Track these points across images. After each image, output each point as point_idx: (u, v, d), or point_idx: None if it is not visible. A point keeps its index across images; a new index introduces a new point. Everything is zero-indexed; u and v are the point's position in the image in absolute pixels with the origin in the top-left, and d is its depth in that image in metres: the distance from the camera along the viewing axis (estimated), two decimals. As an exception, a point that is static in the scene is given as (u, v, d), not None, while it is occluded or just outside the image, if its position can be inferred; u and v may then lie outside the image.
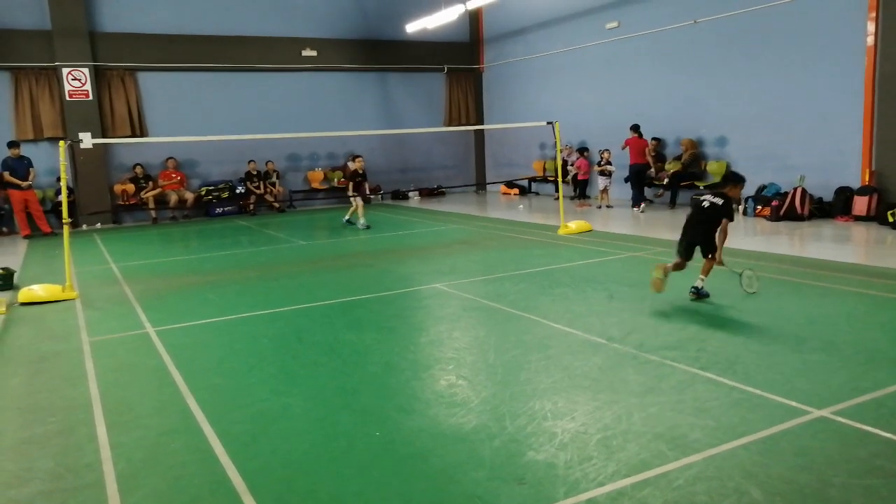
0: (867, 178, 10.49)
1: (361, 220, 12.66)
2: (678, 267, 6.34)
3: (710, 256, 6.23)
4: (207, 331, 6.08)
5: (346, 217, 13.11)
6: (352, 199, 12.92)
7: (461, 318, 6.19)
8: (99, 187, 15.24)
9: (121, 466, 3.43)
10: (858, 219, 10.34)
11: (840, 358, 4.57)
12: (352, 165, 13.13)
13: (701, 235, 6.27)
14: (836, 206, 10.74)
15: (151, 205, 15.39)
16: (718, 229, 6.19)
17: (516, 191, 18.09)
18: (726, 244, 6.32)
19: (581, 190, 15.00)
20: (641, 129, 13.42)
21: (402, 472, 3.27)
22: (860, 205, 10.35)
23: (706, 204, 6.23)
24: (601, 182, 14.06)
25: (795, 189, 10.88)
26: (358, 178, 12.89)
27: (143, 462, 3.48)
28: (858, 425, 3.50)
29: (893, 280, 6.62)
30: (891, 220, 9.63)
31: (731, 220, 6.23)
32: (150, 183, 15.60)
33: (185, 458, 3.50)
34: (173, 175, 15.83)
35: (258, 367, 4.94)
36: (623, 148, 13.56)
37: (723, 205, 6.16)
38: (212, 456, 3.49)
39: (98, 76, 15.20)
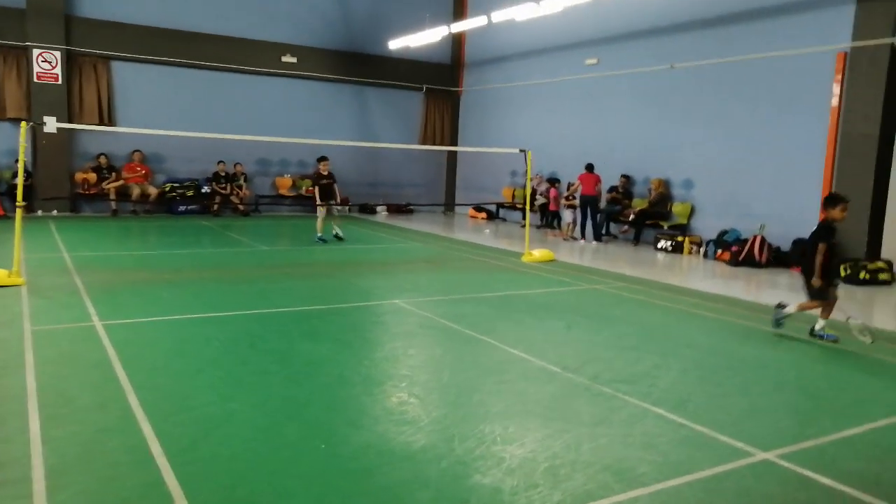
0: (824, 232, 10.77)
1: (336, 230, 12.06)
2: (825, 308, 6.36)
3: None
4: (157, 329, 5.92)
5: (335, 231, 12.07)
6: (320, 207, 12.02)
7: (418, 335, 6.14)
8: (59, 173, 14.86)
9: (51, 462, 3.28)
10: (813, 270, 10.59)
11: (788, 403, 4.64)
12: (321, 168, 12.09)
13: (806, 265, 6.38)
14: (792, 256, 10.99)
15: (113, 196, 15.05)
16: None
17: (484, 215, 18.17)
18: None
19: (550, 220, 15.13)
20: (606, 166, 13.68)
21: (345, 487, 3.20)
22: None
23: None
24: (568, 215, 14.20)
25: (755, 237, 11.13)
26: (323, 181, 11.95)
27: (75, 459, 3.34)
28: (800, 470, 3.54)
29: (841, 332, 6.77)
30: (843, 274, 9.89)
31: (825, 242, 6.14)
32: (114, 174, 15.27)
33: (120, 458, 3.37)
34: (138, 168, 15.53)
35: (206, 371, 4.82)
36: (576, 187, 13.80)
37: (816, 229, 6.28)
38: (148, 457, 3.37)
39: (70, 61, 14.90)
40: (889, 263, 10.02)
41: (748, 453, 3.73)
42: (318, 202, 12.02)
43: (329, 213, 12.17)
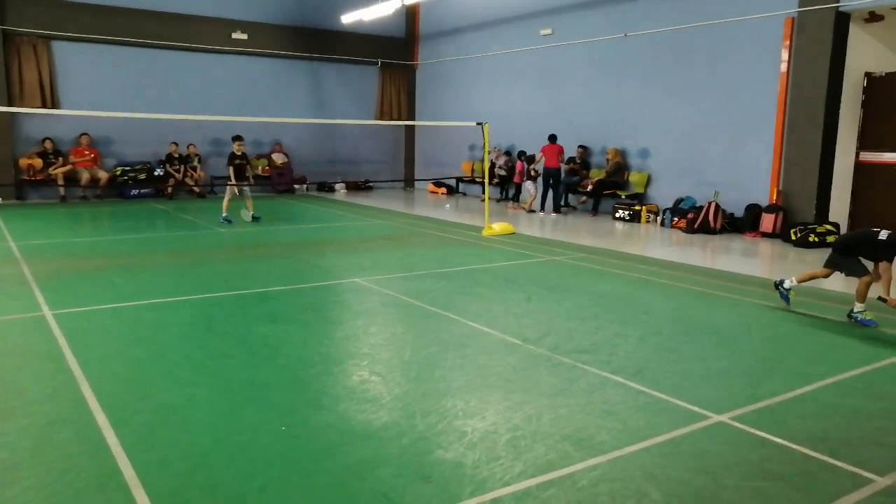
0: (775, 198, 11.04)
1: (250, 211, 11.80)
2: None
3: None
4: (111, 316, 5.78)
5: (250, 211, 11.86)
6: (236, 188, 11.68)
7: (379, 313, 6.12)
8: (2, 160, 14.33)
9: (2, 456, 3.20)
10: (765, 235, 10.86)
11: (741, 366, 4.76)
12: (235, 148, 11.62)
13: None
14: (745, 222, 11.24)
15: (61, 182, 14.58)
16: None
17: (444, 190, 18.13)
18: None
19: (515, 193, 15.14)
20: (562, 137, 13.70)
21: (306, 468, 3.19)
22: (767, 222, 10.88)
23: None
24: (530, 187, 14.23)
25: (710, 204, 11.33)
26: (237, 162, 11.53)
27: (27, 452, 3.25)
28: (753, 430, 3.64)
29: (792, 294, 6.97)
30: (793, 237, 10.16)
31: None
32: (60, 159, 14.78)
33: (74, 449, 3.29)
34: (86, 152, 15.05)
35: (163, 357, 4.73)
36: (539, 159, 13.82)
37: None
38: (104, 447, 3.30)
39: (6, 41, 14.28)
40: (836, 226, 10.32)
41: (704, 416, 3.82)
42: (232, 181, 11.63)
43: (241, 194, 11.84)
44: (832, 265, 6.16)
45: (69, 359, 4.58)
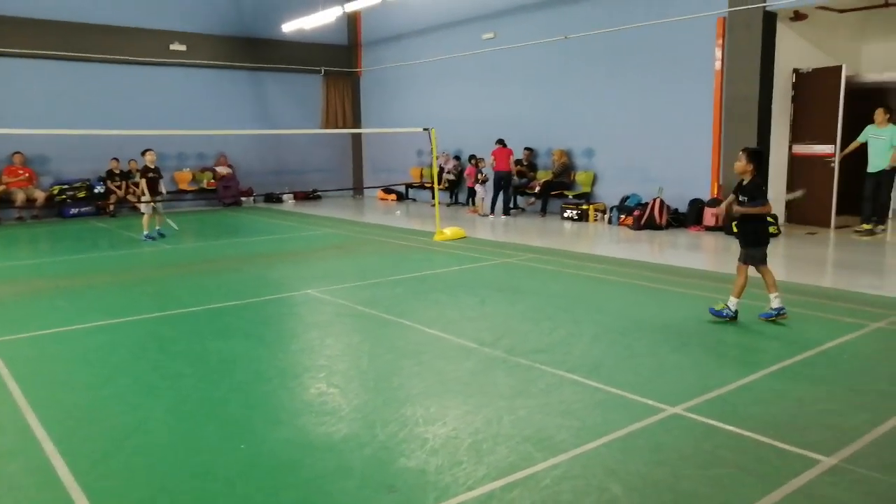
0: (716, 192, 11.38)
1: (155, 227, 11.32)
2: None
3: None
4: (55, 341, 5.59)
5: (157, 227, 11.37)
6: (147, 205, 11.12)
7: (334, 324, 6.08)
8: (-71, 183, 13.70)
9: (-56, 495, 3.06)
10: (708, 229, 11.19)
11: (692, 358, 4.90)
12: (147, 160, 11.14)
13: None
14: (689, 217, 11.56)
15: (-6, 203, 14.00)
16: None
17: (394, 196, 18.10)
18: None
19: (471, 196, 15.19)
20: (509, 139, 13.83)
21: (268, 484, 3.14)
22: (709, 216, 11.21)
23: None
24: (480, 190, 14.32)
25: (655, 200, 11.62)
26: (150, 175, 11.00)
27: (-28, 488, 3.12)
28: (706, 420, 3.75)
29: (737, 285, 7.21)
30: (735, 230, 10.46)
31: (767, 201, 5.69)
32: (-8, 179, 14.20)
33: (22, 482, 3.18)
34: (20, 171, 14.49)
35: (113, 380, 4.60)
36: (491, 163, 13.92)
37: (753, 189, 5.71)
38: (54, 478, 3.19)
39: (-70, 59, 13.68)
40: (775, 217, 10.69)
41: (659, 409, 3.92)
42: (146, 197, 11.10)
43: (155, 209, 11.31)
44: (747, 259, 5.86)
45: (12, 388, 4.40)
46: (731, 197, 5.89)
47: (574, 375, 4.51)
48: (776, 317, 5.69)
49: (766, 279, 5.78)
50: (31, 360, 5.07)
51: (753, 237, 5.81)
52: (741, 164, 5.75)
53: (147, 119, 15.70)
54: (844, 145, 10.80)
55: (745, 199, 5.73)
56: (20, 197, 14.19)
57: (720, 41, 11.13)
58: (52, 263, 9.61)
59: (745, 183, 5.77)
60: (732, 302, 5.74)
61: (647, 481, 3.09)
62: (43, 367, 4.94)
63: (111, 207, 15.22)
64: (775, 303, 5.71)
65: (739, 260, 5.86)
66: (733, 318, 5.73)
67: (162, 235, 11.49)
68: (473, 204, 14.98)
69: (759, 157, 5.78)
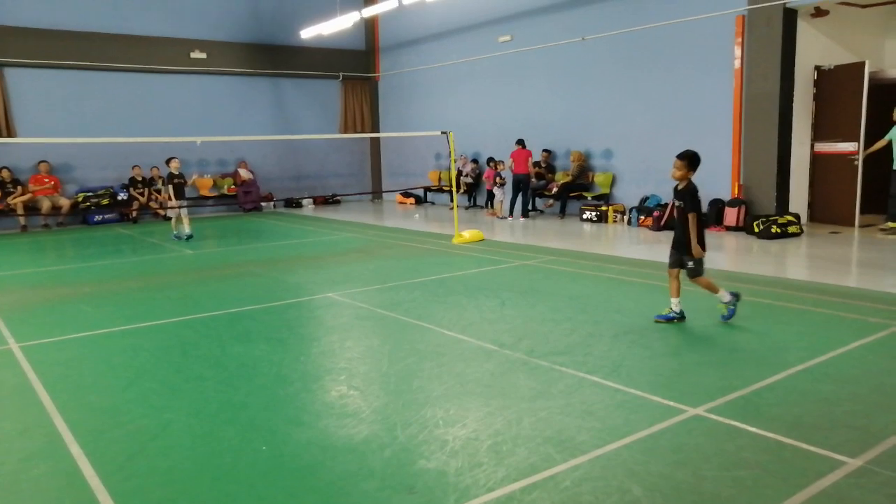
0: (736, 192, 11.28)
1: (184, 229, 12.00)
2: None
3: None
4: (81, 345, 5.68)
5: (187, 230, 12.02)
6: (176, 208, 11.94)
7: (354, 327, 6.11)
8: (-42, 192, 13.99)
9: (-25, 496, 3.13)
10: (729, 229, 11.08)
11: (714, 359, 4.85)
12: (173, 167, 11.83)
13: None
14: (709, 217, 11.46)
15: (20, 211, 14.27)
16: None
17: (412, 200, 18.15)
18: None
19: (490, 199, 15.19)
20: (526, 141, 13.79)
21: (290, 486, 3.17)
22: (730, 216, 11.10)
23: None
24: (498, 193, 14.32)
25: (674, 201, 11.50)
26: (175, 181, 11.74)
27: (0, 490, 3.18)
28: (728, 421, 3.72)
29: (758, 285, 7.14)
30: (756, 230, 10.38)
31: (699, 210, 5.62)
32: (19, 188, 14.47)
33: (49, 484, 3.23)
34: (46, 180, 14.76)
35: (137, 383, 4.66)
36: (510, 165, 13.87)
37: (688, 193, 5.71)
38: (80, 479, 3.24)
39: (-42, 71, 13.98)
40: (797, 216, 10.57)
41: (680, 410, 3.89)
42: (173, 203, 11.94)
43: (180, 213, 12.12)
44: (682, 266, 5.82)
45: (39, 392, 4.49)
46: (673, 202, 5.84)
47: (594, 377, 4.49)
48: (670, 321, 5.73)
49: (672, 285, 5.75)
50: (57, 363, 5.16)
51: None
52: (680, 171, 5.67)
53: (168, 126, 15.93)
54: (868, 143, 10.66)
55: (681, 203, 5.67)
56: (46, 204, 14.44)
57: (739, 39, 11.03)
58: (77, 269, 9.77)
59: (679, 188, 5.71)
60: (725, 293, 5.70)
61: (668, 482, 3.07)
62: (69, 370, 5.02)
63: (134, 214, 15.43)
64: (676, 307, 5.75)
65: (670, 265, 5.85)
66: (680, 318, 5.76)
67: (191, 237, 12.00)
68: (492, 206, 14.97)
69: (694, 160, 5.69)
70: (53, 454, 3.55)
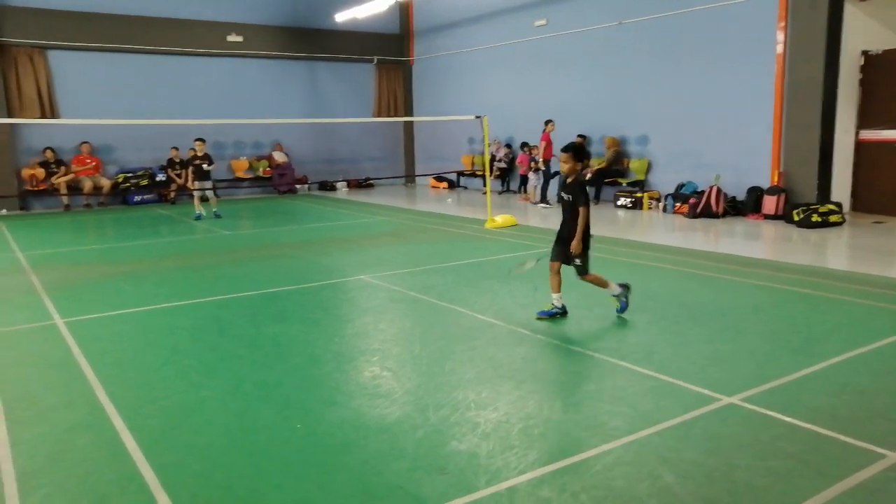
0: (776, 179, 11.04)
1: (198, 210, 12.40)
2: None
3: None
4: (121, 322, 5.82)
5: (214, 209, 12.62)
6: (200, 189, 12.30)
7: (387, 309, 6.16)
8: (4, 171, 14.39)
9: (21, 464, 3.24)
10: (768, 217, 10.86)
11: (748, 347, 4.79)
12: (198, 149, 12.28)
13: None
14: (747, 205, 11.24)
15: (63, 191, 14.63)
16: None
17: (445, 184, 18.14)
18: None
19: (523, 185, 15.11)
20: (559, 128, 13.58)
21: (323, 464, 3.23)
22: (769, 204, 10.88)
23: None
24: (532, 178, 14.21)
25: (711, 188, 11.33)
26: (196, 163, 12.14)
27: (46, 459, 3.30)
28: (763, 410, 3.67)
29: (797, 274, 7.00)
30: (796, 218, 10.16)
31: (587, 204, 5.36)
32: (62, 168, 14.82)
33: (93, 455, 3.34)
34: (87, 160, 15.09)
35: (174, 360, 4.77)
36: (540, 151, 13.68)
37: (575, 186, 5.42)
38: (122, 451, 3.34)
39: (2, 53, 14.31)
40: (839, 205, 10.32)
41: (714, 399, 3.85)
42: (191, 184, 12.42)
43: (203, 197, 12.54)
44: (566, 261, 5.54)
45: (83, 366, 4.62)
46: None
47: (627, 363, 4.47)
48: (555, 317, 5.50)
49: (553, 280, 5.50)
50: (99, 339, 5.30)
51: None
52: (567, 164, 5.39)
53: (205, 109, 16.13)
54: (916, 130, 10.33)
55: (570, 197, 5.39)
56: (88, 185, 14.78)
57: (782, 23, 10.75)
58: (117, 249, 10.00)
59: (568, 181, 5.45)
60: (615, 286, 5.53)
61: (701, 469, 3.05)
62: (110, 346, 5.15)
63: (172, 195, 15.71)
64: (558, 302, 5.52)
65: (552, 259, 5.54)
66: (562, 313, 5.53)
67: (218, 216, 12.36)
68: (525, 191, 14.90)
69: (580, 152, 5.45)
70: (97, 426, 3.66)
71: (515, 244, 9.21)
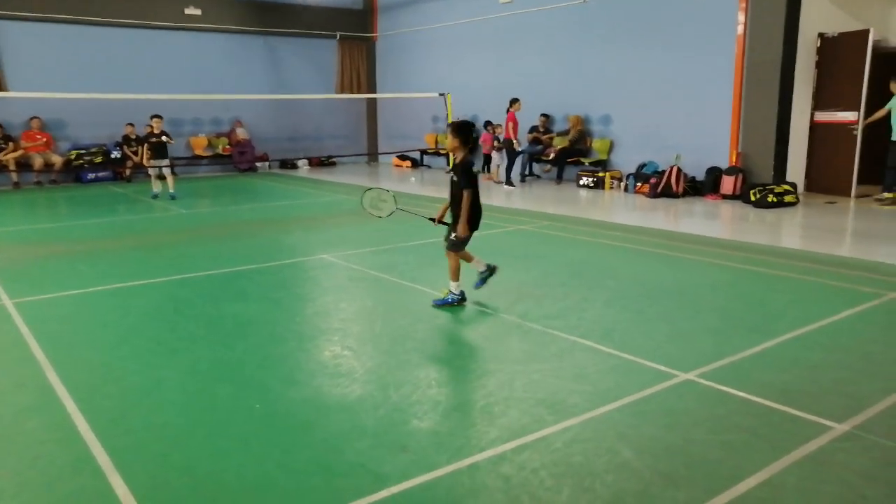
0: (734, 160, 11.23)
1: (156, 189, 12.10)
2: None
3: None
4: (75, 303, 5.67)
5: (157, 189, 12.12)
6: (156, 167, 11.89)
7: (348, 288, 6.12)
8: (-51, 147, 13.82)
9: (-31, 448, 3.14)
10: (726, 197, 11.05)
11: (705, 325, 4.89)
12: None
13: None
14: (706, 185, 11.42)
15: (13, 168, 14.12)
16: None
17: (408, 163, 18.02)
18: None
19: (486, 164, 15.07)
20: (524, 104, 13.44)
21: (283, 443, 3.20)
22: (727, 184, 11.07)
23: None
24: (495, 157, 14.20)
25: (672, 168, 11.48)
26: (152, 140, 11.64)
27: (-4, 443, 3.20)
28: (718, 386, 3.75)
29: (753, 253, 7.15)
30: (753, 199, 10.36)
31: (474, 187, 5.18)
32: (11, 144, 14.29)
33: (44, 437, 3.25)
34: (38, 136, 14.57)
35: (130, 341, 4.67)
36: (502, 130, 13.63)
37: (463, 168, 5.17)
38: (75, 433, 3.26)
39: (-53, 23, 13.70)
40: (794, 185, 10.55)
41: (671, 375, 3.92)
42: (145, 160, 12.05)
43: (160, 175, 12.14)
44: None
45: (33, 347, 4.49)
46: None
47: (587, 341, 4.52)
48: (451, 304, 5.30)
49: (451, 264, 5.33)
50: (51, 320, 5.16)
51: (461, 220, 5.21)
52: (451, 144, 5.18)
53: (162, 84, 15.67)
54: (869, 113, 10.59)
55: (456, 178, 5.21)
56: (38, 161, 14.29)
57: (743, 5, 10.86)
58: (71, 227, 9.71)
59: (456, 161, 5.25)
60: (454, 285, 5.32)
61: (658, 445, 3.11)
62: (63, 327, 5.02)
63: (127, 172, 15.30)
64: (454, 288, 5.33)
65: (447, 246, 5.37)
66: (461, 300, 5.33)
67: (173, 198, 11.85)
68: (489, 171, 14.89)
69: (465, 131, 5.14)
70: (48, 408, 3.56)
71: (478, 223, 9.19)
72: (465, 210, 5.15)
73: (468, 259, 5.46)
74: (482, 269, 5.48)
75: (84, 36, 15.26)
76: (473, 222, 5.27)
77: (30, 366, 4.17)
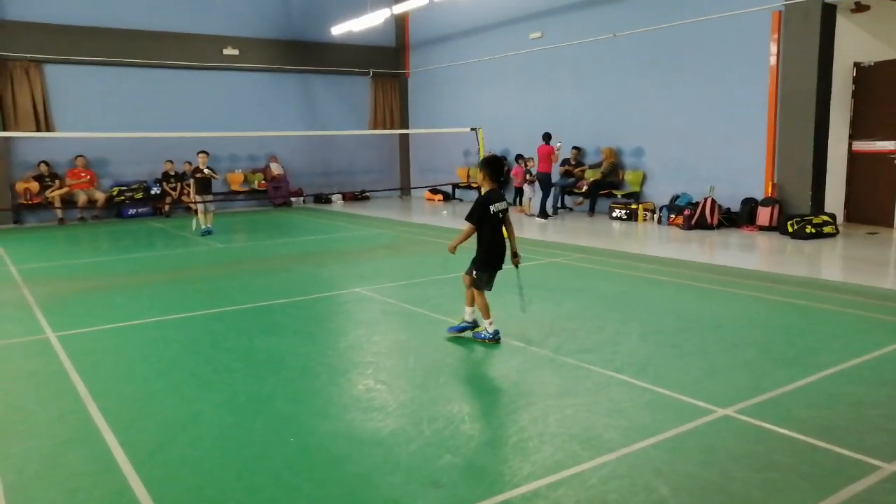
0: (770, 191, 11.08)
1: (203, 225, 12.02)
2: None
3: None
4: (114, 336, 5.79)
5: (204, 226, 12.01)
6: (200, 203, 11.93)
7: (381, 322, 6.14)
8: (-2, 185, 14.36)
9: (10, 479, 3.20)
10: (762, 229, 10.89)
11: (743, 359, 4.78)
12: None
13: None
14: (742, 217, 11.27)
15: (58, 204, 14.60)
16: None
17: (440, 197, 18.16)
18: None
19: (518, 196, 15.11)
20: (551, 137, 13.50)
21: (316, 477, 3.20)
22: (763, 215, 10.91)
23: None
24: (527, 190, 14.24)
25: (706, 199, 11.37)
26: (198, 175, 11.77)
27: (35, 474, 3.26)
28: (758, 423, 3.66)
29: (791, 286, 7.01)
30: (790, 230, 10.18)
31: (470, 220, 5.20)
32: (57, 181, 14.80)
33: (83, 469, 3.31)
34: (82, 174, 15.07)
35: (168, 374, 4.74)
36: (534, 164, 13.68)
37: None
38: (114, 466, 3.31)
39: (-1, 67, 14.34)
40: (833, 216, 10.35)
41: (709, 411, 3.84)
42: (191, 196, 12.11)
43: (205, 208, 12.12)
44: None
45: (75, 380, 4.59)
46: None
47: (622, 375, 4.45)
48: (465, 332, 5.33)
49: (468, 294, 5.32)
50: (92, 353, 5.27)
51: (476, 256, 5.28)
52: (479, 175, 5.27)
53: (200, 122, 16.13)
54: (908, 142, 10.39)
55: (501, 214, 5.28)
56: (82, 198, 14.75)
57: (776, 35, 10.83)
58: (111, 262, 9.96)
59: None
60: (486, 322, 5.25)
61: (696, 482, 3.04)
62: (103, 360, 5.12)
63: (166, 208, 15.68)
64: (468, 316, 5.35)
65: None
66: (493, 339, 5.21)
67: (209, 232, 12.02)
68: (520, 204, 14.91)
69: (491, 166, 5.18)
70: (87, 441, 3.62)
71: (510, 256, 9.18)
72: (459, 237, 5.29)
73: (474, 301, 5.34)
74: (469, 319, 5.38)
75: (126, 77, 15.83)
76: (491, 260, 5.23)
77: (71, 398, 4.26)
